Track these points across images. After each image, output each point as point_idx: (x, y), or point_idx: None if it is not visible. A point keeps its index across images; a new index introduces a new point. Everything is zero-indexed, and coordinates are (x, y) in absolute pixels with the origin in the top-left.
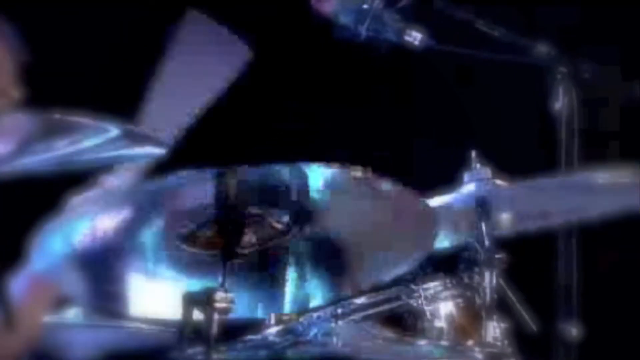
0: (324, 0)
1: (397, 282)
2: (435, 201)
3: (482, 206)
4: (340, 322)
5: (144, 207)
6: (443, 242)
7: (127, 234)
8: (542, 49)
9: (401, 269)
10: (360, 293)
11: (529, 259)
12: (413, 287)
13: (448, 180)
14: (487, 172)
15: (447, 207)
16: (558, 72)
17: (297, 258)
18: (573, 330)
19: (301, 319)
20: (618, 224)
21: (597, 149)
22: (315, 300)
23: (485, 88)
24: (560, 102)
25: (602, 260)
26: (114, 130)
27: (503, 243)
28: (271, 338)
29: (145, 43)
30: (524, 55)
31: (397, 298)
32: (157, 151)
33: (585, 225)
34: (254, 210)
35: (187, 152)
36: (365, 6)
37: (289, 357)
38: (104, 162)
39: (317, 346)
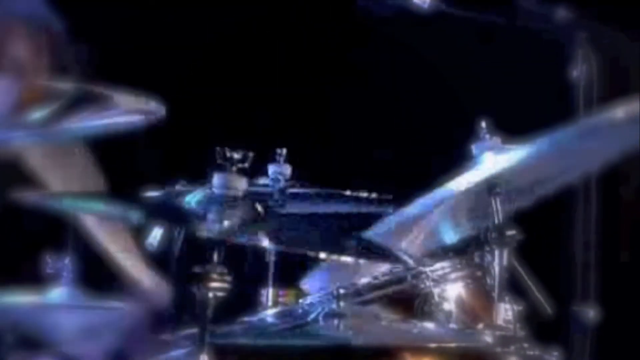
0: None
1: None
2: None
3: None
4: (342, 304)
5: None
6: (450, 235)
7: None
8: (561, 13)
9: None
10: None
11: (544, 237)
12: (420, 268)
13: (458, 152)
14: (497, 141)
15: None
16: (577, 38)
17: None
18: (590, 313)
19: (301, 300)
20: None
21: None
22: None
23: (499, 55)
24: (579, 70)
25: (622, 239)
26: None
27: (516, 219)
28: (269, 320)
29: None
30: (542, 20)
31: (404, 279)
32: (140, 120)
33: (605, 202)
34: None
35: None
36: None
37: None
38: (88, 131)
39: (317, 329)
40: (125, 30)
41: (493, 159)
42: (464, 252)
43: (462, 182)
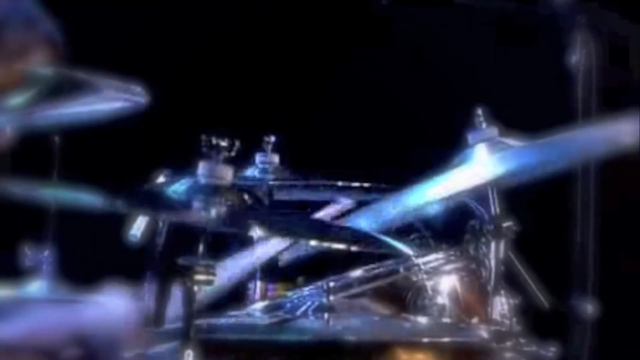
0: None
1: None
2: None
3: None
4: (332, 297)
5: None
6: (433, 205)
7: None
8: None
9: None
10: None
11: (541, 228)
12: (413, 259)
13: (454, 140)
14: (493, 131)
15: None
16: (576, 22)
17: None
18: (588, 307)
19: (290, 294)
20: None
21: (616, 106)
22: None
23: (496, 40)
24: (578, 55)
25: (622, 231)
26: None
27: (512, 210)
28: (257, 314)
29: None
30: (541, 4)
31: (395, 272)
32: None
33: (604, 191)
34: None
35: None
36: None
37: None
38: (68, 117)
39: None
40: (108, 17)
41: (488, 162)
42: (458, 243)
43: (459, 183)
